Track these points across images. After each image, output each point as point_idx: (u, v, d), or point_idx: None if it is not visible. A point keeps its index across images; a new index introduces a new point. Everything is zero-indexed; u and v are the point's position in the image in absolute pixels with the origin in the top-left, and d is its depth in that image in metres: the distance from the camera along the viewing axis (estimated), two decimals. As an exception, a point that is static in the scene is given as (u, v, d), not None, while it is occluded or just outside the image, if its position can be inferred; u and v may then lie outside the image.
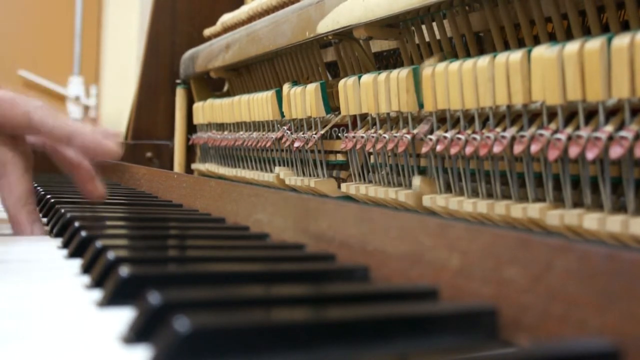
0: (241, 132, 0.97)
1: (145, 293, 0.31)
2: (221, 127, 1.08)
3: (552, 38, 0.53)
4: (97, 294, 0.38)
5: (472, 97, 0.52)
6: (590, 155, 0.43)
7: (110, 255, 0.41)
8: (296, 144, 0.79)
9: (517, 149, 0.48)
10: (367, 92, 0.65)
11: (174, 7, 1.38)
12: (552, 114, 0.47)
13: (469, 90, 0.52)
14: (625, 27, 0.48)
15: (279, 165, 0.87)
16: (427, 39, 0.65)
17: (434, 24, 0.63)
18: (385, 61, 0.82)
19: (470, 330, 0.31)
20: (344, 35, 0.72)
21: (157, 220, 0.67)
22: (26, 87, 2.92)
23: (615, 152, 0.41)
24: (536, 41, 0.54)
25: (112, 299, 0.36)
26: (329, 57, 0.88)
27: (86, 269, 0.44)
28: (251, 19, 1.02)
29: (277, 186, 0.85)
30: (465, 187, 0.55)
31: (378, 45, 0.79)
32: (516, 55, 0.48)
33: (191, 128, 1.26)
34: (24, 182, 0.63)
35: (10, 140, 0.63)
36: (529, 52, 0.47)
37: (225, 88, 1.24)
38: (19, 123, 0.62)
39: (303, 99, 0.77)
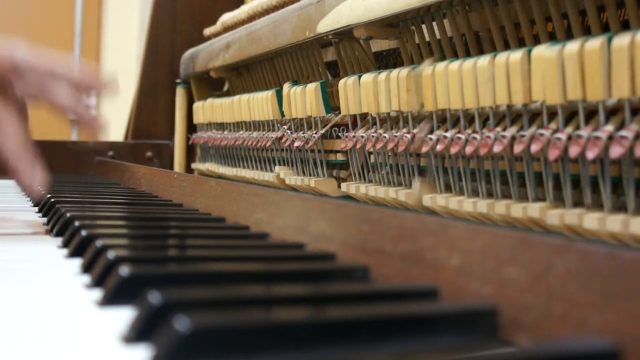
0: (241, 132, 0.97)
1: (145, 292, 0.31)
2: (221, 126, 1.08)
3: (552, 38, 0.53)
4: (97, 294, 0.38)
5: (472, 97, 0.52)
6: (591, 154, 0.43)
7: (111, 254, 0.41)
8: (296, 144, 0.79)
9: (517, 148, 0.48)
10: (367, 91, 0.65)
11: (174, 7, 1.38)
12: (552, 114, 0.47)
13: (469, 90, 0.52)
14: (625, 26, 0.48)
15: (279, 164, 0.87)
16: (427, 38, 0.65)
17: (434, 23, 0.63)
18: (386, 61, 0.82)
19: (470, 330, 0.31)
20: (344, 34, 0.72)
21: (157, 219, 0.67)
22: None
23: (616, 151, 0.41)
24: (536, 41, 0.54)
25: (113, 299, 0.36)
26: (329, 56, 0.88)
27: (86, 269, 0.44)
28: (251, 18, 1.02)
29: (277, 186, 0.85)
30: (466, 187, 0.55)
31: (378, 45, 0.79)
32: (516, 55, 0.48)
33: (191, 128, 1.26)
34: (21, 129, 0.62)
35: (0, 90, 0.62)
36: (529, 51, 0.47)
37: (226, 88, 1.24)
38: (3, 65, 0.61)
39: (303, 98, 0.77)
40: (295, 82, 0.83)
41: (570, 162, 0.46)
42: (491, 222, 0.52)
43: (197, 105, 1.18)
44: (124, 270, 0.36)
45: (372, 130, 0.65)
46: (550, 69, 0.45)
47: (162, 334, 0.27)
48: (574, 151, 0.44)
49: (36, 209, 0.81)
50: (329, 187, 0.75)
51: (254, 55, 0.94)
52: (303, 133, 0.79)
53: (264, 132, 0.90)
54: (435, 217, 0.47)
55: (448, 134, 0.55)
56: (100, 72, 0.67)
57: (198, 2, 1.39)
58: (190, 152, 1.29)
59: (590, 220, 0.43)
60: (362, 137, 0.66)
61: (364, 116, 0.69)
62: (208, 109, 1.11)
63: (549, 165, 0.48)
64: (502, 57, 0.49)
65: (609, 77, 0.42)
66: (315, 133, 0.76)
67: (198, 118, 1.18)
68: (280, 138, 0.83)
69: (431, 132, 0.58)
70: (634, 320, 0.26)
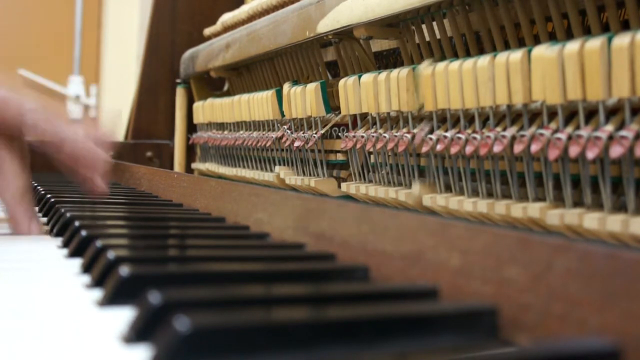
0: (241, 132, 0.97)
1: (145, 292, 0.31)
2: (221, 126, 1.08)
3: (552, 37, 0.53)
4: (97, 294, 0.38)
5: (472, 97, 0.52)
6: (591, 154, 0.43)
7: (111, 254, 0.41)
8: (296, 144, 0.79)
9: (518, 148, 0.48)
10: (367, 91, 0.65)
11: (174, 7, 1.38)
12: (552, 114, 0.47)
13: (469, 90, 0.52)
14: (625, 26, 0.48)
15: (279, 164, 0.87)
16: (427, 38, 0.65)
17: (434, 23, 0.63)
18: (386, 61, 0.82)
19: (470, 330, 0.31)
20: (344, 34, 0.72)
21: (157, 219, 0.67)
22: (26, 87, 2.92)
23: (616, 151, 0.41)
24: (536, 41, 0.54)
25: (113, 299, 0.36)
26: (329, 56, 0.88)
27: (86, 269, 0.44)
28: (251, 18, 1.02)
29: (277, 185, 0.85)
30: (466, 187, 0.55)
31: (378, 45, 0.79)
32: (516, 55, 0.48)
33: (191, 127, 1.26)
34: (21, 179, 0.62)
35: (6, 137, 0.62)
36: (529, 51, 0.47)
37: (226, 87, 1.24)
38: (10, 125, 0.62)
39: (303, 98, 0.77)
40: (295, 82, 0.83)
41: (571, 162, 0.46)
42: (491, 222, 0.52)
43: (197, 105, 1.18)
44: (124, 270, 0.36)
45: (372, 130, 0.65)
46: (550, 69, 0.45)
47: (162, 334, 0.27)
48: (574, 151, 0.44)
49: (36, 209, 0.81)
50: (329, 187, 0.75)
51: (254, 55, 0.94)
52: (303, 133, 0.79)
53: (264, 132, 0.90)
54: (435, 217, 0.47)
55: (448, 134, 0.55)
56: (109, 141, 0.67)
57: (198, 2, 1.39)
58: (190, 152, 1.29)
59: (590, 220, 0.43)
60: (362, 137, 0.66)
61: (364, 116, 0.69)
62: (208, 109, 1.11)
63: (549, 165, 0.48)
64: (502, 57, 0.49)
65: (609, 77, 0.42)
66: (315, 133, 0.76)
67: (198, 118, 1.18)
68: (280, 138, 0.83)
69: (431, 132, 0.58)
70: (634, 320, 0.26)
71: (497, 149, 0.50)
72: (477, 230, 0.36)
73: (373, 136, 0.64)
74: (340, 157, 0.76)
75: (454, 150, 0.54)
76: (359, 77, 0.66)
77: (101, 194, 0.71)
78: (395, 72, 0.61)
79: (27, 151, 0.65)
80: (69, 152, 0.64)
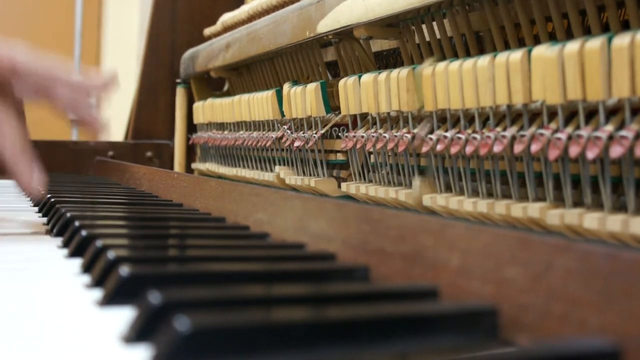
0: (241, 132, 0.97)
1: (145, 292, 0.31)
2: (221, 126, 1.08)
3: (552, 37, 0.53)
4: (97, 294, 0.38)
5: (473, 97, 0.52)
6: (591, 154, 0.43)
7: (111, 254, 0.41)
8: (296, 144, 0.79)
9: (518, 148, 0.48)
10: (367, 91, 0.65)
11: (174, 7, 1.38)
12: (552, 114, 0.47)
13: (469, 90, 0.52)
14: (625, 26, 0.48)
15: (279, 164, 0.87)
16: (427, 38, 0.65)
17: (434, 23, 0.63)
18: (386, 61, 0.82)
19: (470, 330, 0.31)
20: (344, 34, 0.72)
21: (157, 219, 0.67)
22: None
23: (616, 151, 0.41)
24: (536, 41, 0.54)
25: (113, 299, 0.36)
26: (329, 56, 0.88)
27: (86, 269, 0.44)
28: (251, 18, 1.02)
29: (277, 185, 0.85)
30: (466, 187, 0.55)
31: (378, 45, 0.79)
32: (516, 55, 0.48)
33: (191, 127, 1.26)
34: (19, 132, 0.62)
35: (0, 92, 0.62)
36: (529, 51, 0.47)
37: (226, 87, 1.24)
38: (2, 66, 0.61)
39: (303, 98, 0.77)
40: (295, 82, 0.83)
41: (571, 162, 0.46)
42: (491, 222, 0.52)
43: (197, 105, 1.18)
44: (124, 270, 0.36)
45: (372, 130, 0.65)
46: (551, 69, 0.45)
47: (162, 334, 0.27)
48: (574, 151, 0.44)
49: (36, 209, 0.81)
50: (329, 187, 0.75)
51: (254, 55, 0.94)
52: (303, 133, 0.79)
53: (264, 132, 0.90)
54: (435, 217, 0.47)
55: (448, 134, 0.55)
56: (100, 74, 0.66)
57: (198, 2, 1.39)
58: (190, 152, 1.29)
59: (590, 220, 0.43)
60: (362, 137, 0.66)
61: (364, 116, 0.69)
62: (208, 109, 1.11)
63: (549, 165, 0.48)
64: (502, 57, 0.49)
65: (609, 77, 0.42)
66: (315, 133, 0.76)
67: (198, 118, 1.18)
68: (280, 138, 0.83)
69: (431, 132, 0.58)
70: (634, 320, 0.26)
71: (497, 149, 0.50)
72: (477, 230, 0.36)
73: (373, 136, 0.64)
74: (340, 157, 0.76)
75: (454, 150, 0.54)
76: (359, 77, 0.66)
77: (99, 131, 0.69)
78: (395, 72, 0.61)
79: (22, 102, 0.65)
80: (65, 82, 0.63)
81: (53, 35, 3.10)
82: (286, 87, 0.82)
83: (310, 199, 0.54)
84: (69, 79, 0.63)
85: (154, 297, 0.30)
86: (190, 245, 0.54)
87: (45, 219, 0.71)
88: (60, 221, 0.61)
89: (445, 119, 0.57)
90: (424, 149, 0.57)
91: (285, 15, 0.82)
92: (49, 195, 0.77)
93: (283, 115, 0.84)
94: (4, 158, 0.61)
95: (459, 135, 0.54)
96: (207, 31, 1.22)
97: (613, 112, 0.44)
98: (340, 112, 0.72)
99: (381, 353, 0.28)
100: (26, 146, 0.62)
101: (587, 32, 0.51)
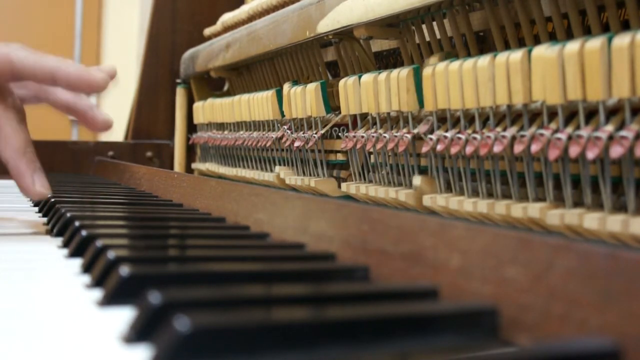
0: (241, 132, 0.97)
1: (145, 292, 0.31)
2: (221, 126, 1.08)
3: (552, 37, 0.53)
4: (97, 294, 0.38)
5: (473, 97, 0.52)
6: (591, 154, 0.43)
7: (111, 254, 0.41)
8: (296, 144, 0.79)
9: (518, 148, 0.48)
10: (367, 91, 0.65)
11: (174, 7, 1.38)
12: (552, 114, 0.47)
13: (470, 90, 0.52)
14: (625, 26, 0.48)
15: (279, 164, 0.87)
16: (427, 38, 0.65)
17: (434, 23, 0.63)
18: (386, 61, 0.82)
19: (470, 330, 0.31)
20: (344, 34, 0.72)
21: (157, 219, 0.67)
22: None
23: (616, 151, 0.41)
24: (536, 41, 0.54)
25: (113, 299, 0.36)
26: (329, 56, 0.88)
27: (86, 269, 0.44)
28: (251, 18, 1.02)
29: (277, 185, 0.85)
30: (466, 187, 0.55)
31: (378, 45, 0.79)
32: (516, 55, 0.48)
33: (191, 127, 1.26)
34: (20, 132, 0.62)
35: None
36: (530, 51, 0.47)
37: (226, 87, 1.24)
38: (1, 68, 0.61)
39: (303, 98, 0.77)
40: (295, 82, 0.83)
41: (571, 162, 0.46)
42: (491, 222, 0.52)
43: (197, 105, 1.18)
44: (124, 270, 0.36)
45: (372, 130, 0.65)
46: (551, 69, 0.45)
47: (163, 334, 0.27)
48: (574, 151, 0.44)
49: (36, 209, 0.81)
50: (329, 187, 0.75)
51: (254, 55, 0.94)
52: (303, 133, 0.79)
53: (264, 132, 0.90)
54: (435, 217, 0.47)
55: (448, 134, 0.55)
56: (99, 68, 0.66)
57: (198, 2, 1.39)
58: (190, 152, 1.29)
59: (591, 220, 0.43)
60: (362, 137, 0.66)
61: (364, 116, 0.69)
62: (208, 109, 1.11)
63: (549, 165, 0.48)
64: (502, 57, 0.49)
65: (609, 77, 0.42)
66: (316, 133, 0.76)
67: (198, 118, 1.18)
68: (281, 138, 0.83)
69: (431, 132, 0.58)
70: (634, 320, 0.26)
71: (497, 149, 0.50)
72: (477, 230, 0.36)
73: (373, 136, 0.64)
74: (340, 157, 0.76)
75: (454, 150, 0.54)
76: (359, 77, 0.66)
77: (104, 127, 0.69)
78: (395, 72, 0.61)
79: (21, 105, 0.64)
80: (64, 78, 0.63)
81: (53, 35, 3.10)
82: (286, 87, 0.82)
83: (310, 199, 0.54)
84: (68, 78, 0.63)
85: (154, 297, 0.30)
86: (190, 245, 0.54)
87: (45, 219, 0.71)
88: (60, 221, 0.61)
89: (445, 119, 0.57)
90: (424, 149, 0.57)
91: (285, 15, 0.82)
92: (49, 195, 0.77)
93: (283, 115, 0.84)
94: (5, 160, 0.61)
95: (459, 135, 0.54)
96: (207, 31, 1.22)
97: (613, 112, 0.44)
98: (340, 112, 0.72)
99: (381, 353, 0.28)
100: (28, 148, 0.62)
101: (587, 32, 0.51)
